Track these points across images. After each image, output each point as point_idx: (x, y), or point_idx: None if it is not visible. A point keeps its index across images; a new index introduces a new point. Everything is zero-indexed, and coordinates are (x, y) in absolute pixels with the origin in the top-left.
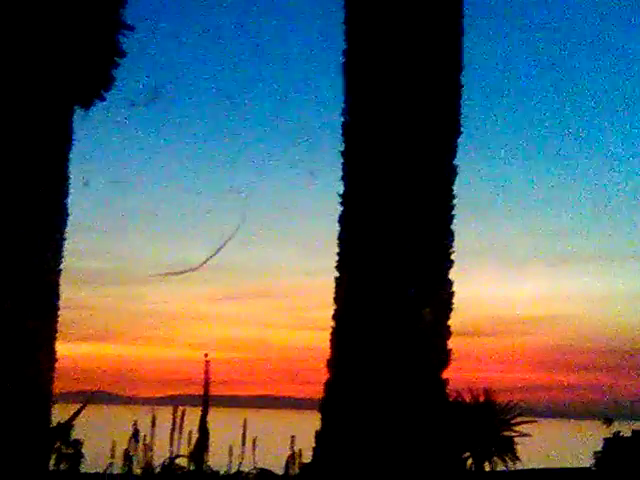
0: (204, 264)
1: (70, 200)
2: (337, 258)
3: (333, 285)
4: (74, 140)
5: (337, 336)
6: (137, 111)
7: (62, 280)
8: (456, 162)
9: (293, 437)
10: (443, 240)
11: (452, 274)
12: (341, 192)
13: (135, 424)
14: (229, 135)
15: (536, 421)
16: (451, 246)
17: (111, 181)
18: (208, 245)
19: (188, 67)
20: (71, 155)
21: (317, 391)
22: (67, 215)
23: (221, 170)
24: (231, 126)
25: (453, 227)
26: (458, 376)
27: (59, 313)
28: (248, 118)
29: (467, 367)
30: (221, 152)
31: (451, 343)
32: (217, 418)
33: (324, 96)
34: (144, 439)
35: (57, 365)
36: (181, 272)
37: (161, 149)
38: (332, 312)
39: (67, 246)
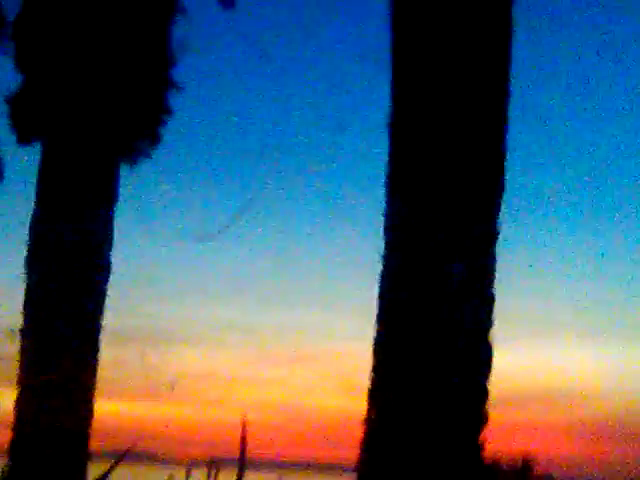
0: (224, 230)
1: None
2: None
3: (371, 351)
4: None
5: (371, 395)
6: None
7: (107, 338)
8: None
9: None
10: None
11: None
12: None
13: (171, 476)
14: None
15: None
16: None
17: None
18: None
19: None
20: None
21: (355, 455)
22: (109, 271)
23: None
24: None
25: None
26: (498, 446)
27: (98, 370)
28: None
29: (508, 437)
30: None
31: (492, 410)
32: None
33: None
34: None
35: (95, 423)
36: (204, 239)
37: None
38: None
39: (109, 304)
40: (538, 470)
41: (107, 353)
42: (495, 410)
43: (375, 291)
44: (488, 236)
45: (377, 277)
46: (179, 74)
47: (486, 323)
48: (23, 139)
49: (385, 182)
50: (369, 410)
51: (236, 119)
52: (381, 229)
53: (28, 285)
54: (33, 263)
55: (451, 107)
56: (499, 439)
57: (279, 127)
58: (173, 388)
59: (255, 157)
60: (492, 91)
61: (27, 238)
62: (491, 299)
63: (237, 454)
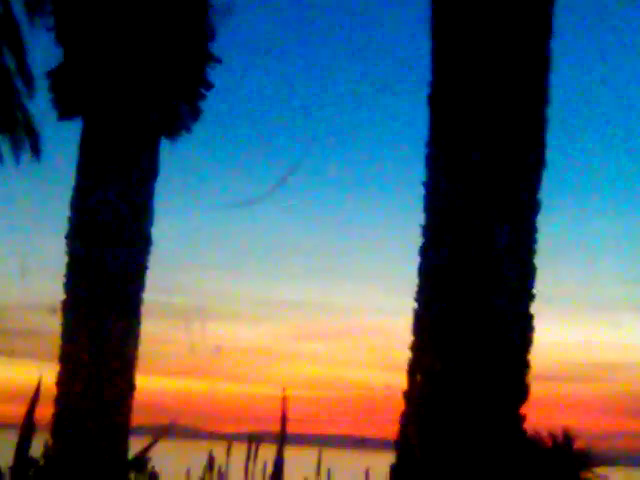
0: (271, 193)
1: None
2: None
3: (411, 326)
4: None
5: (413, 367)
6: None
7: (147, 313)
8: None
9: (367, 471)
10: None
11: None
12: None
13: (211, 453)
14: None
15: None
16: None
17: None
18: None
19: None
20: None
21: (394, 430)
22: (150, 245)
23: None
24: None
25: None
26: (538, 421)
27: (140, 347)
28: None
29: (548, 412)
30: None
31: (531, 383)
32: (293, 455)
33: None
34: (219, 469)
35: (136, 398)
36: (249, 202)
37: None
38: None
39: (154, 281)
40: (579, 444)
41: (148, 327)
42: (536, 384)
43: (414, 268)
44: (531, 206)
45: (417, 254)
46: (218, 47)
47: (528, 296)
48: (65, 114)
49: (426, 155)
50: (409, 384)
51: (274, 90)
52: (422, 204)
53: (69, 260)
54: (74, 238)
55: (493, 76)
56: (540, 413)
57: (318, 98)
58: (218, 351)
59: (295, 126)
60: (533, 65)
61: (68, 213)
62: (532, 270)
63: (277, 429)
